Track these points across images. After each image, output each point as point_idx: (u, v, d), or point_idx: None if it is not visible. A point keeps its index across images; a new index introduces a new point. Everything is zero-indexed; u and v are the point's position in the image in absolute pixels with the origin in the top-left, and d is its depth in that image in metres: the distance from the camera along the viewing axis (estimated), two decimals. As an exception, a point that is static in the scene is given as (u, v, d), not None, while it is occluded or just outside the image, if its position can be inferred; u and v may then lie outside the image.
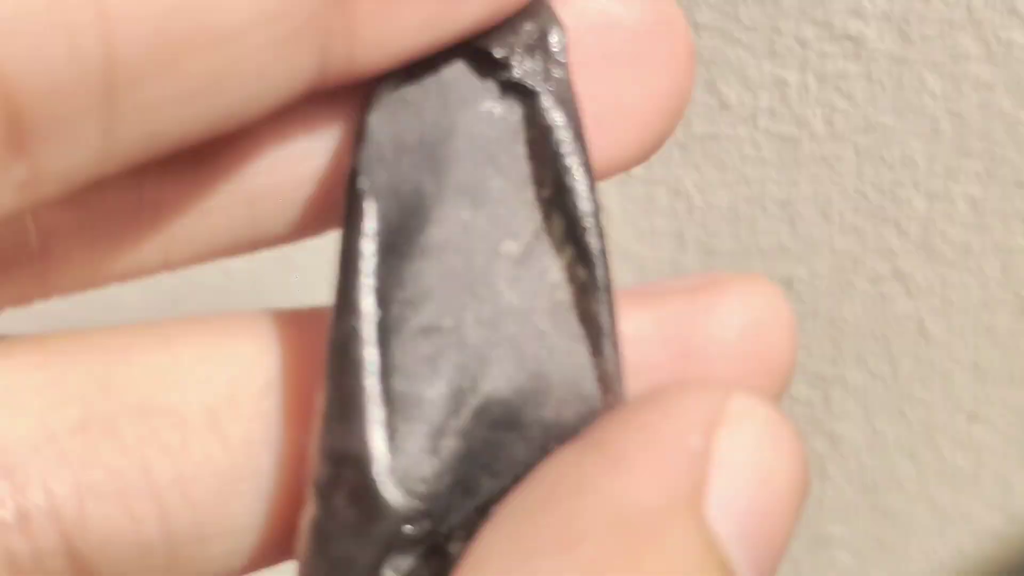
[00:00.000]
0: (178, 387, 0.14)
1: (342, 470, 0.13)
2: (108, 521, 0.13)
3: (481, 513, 0.13)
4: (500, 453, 0.13)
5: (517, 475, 0.13)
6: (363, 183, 0.13)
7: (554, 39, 0.14)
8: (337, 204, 0.14)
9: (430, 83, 0.14)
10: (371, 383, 0.13)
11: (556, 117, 0.14)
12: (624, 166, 0.15)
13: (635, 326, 0.14)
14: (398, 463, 0.13)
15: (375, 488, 0.13)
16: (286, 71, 0.12)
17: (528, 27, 0.14)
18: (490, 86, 0.14)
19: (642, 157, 0.15)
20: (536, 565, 0.12)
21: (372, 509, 0.13)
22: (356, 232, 0.13)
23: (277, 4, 0.11)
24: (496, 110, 0.14)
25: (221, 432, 0.14)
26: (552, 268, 0.14)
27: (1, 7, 0.10)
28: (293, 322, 0.14)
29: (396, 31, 0.13)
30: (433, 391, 0.13)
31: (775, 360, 0.15)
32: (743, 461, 0.13)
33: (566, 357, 0.14)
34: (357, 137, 0.14)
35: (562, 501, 0.12)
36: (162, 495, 0.13)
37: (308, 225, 0.14)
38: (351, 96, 0.14)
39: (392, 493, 0.13)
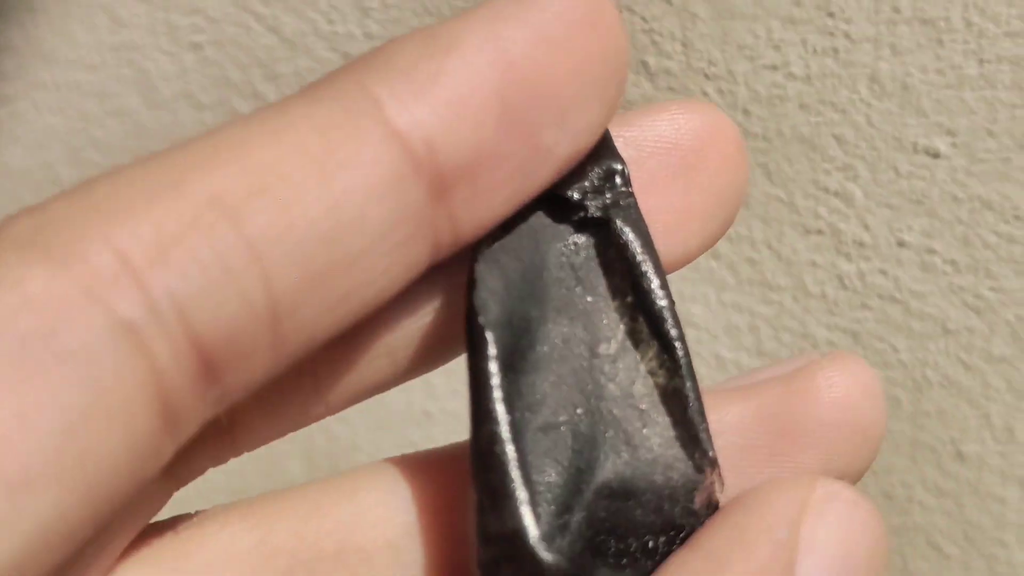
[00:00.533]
0: (364, 529, 0.17)
1: (503, 547, 0.15)
2: None
3: (613, 569, 0.16)
4: (620, 519, 0.16)
5: (639, 535, 0.16)
6: (482, 319, 0.16)
7: (618, 174, 0.17)
8: (454, 339, 0.17)
9: (521, 230, 0.17)
10: (515, 473, 0.15)
11: (628, 235, 0.17)
12: (695, 255, 0.18)
13: (739, 413, 0.17)
14: (543, 534, 0.15)
15: (535, 553, 0.15)
16: (406, 264, 0.15)
17: (595, 169, 0.17)
18: (570, 221, 0.17)
19: (709, 246, 0.18)
20: None
21: (534, 570, 0.15)
22: (482, 358, 0.16)
23: (393, 220, 0.14)
24: (578, 240, 0.17)
25: (401, 561, 0.17)
26: (643, 360, 0.17)
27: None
28: (423, 466, 0.18)
29: (488, 209, 0.15)
30: (556, 476, 0.16)
31: (867, 431, 0.17)
32: (826, 541, 0.15)
33: (664, 429, 0.17)
34: (469, 284, 0.16)
35: None
36: None
37: (433, 360, 0.17)
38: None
39: (547, 556, 0.15)
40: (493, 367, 0.16)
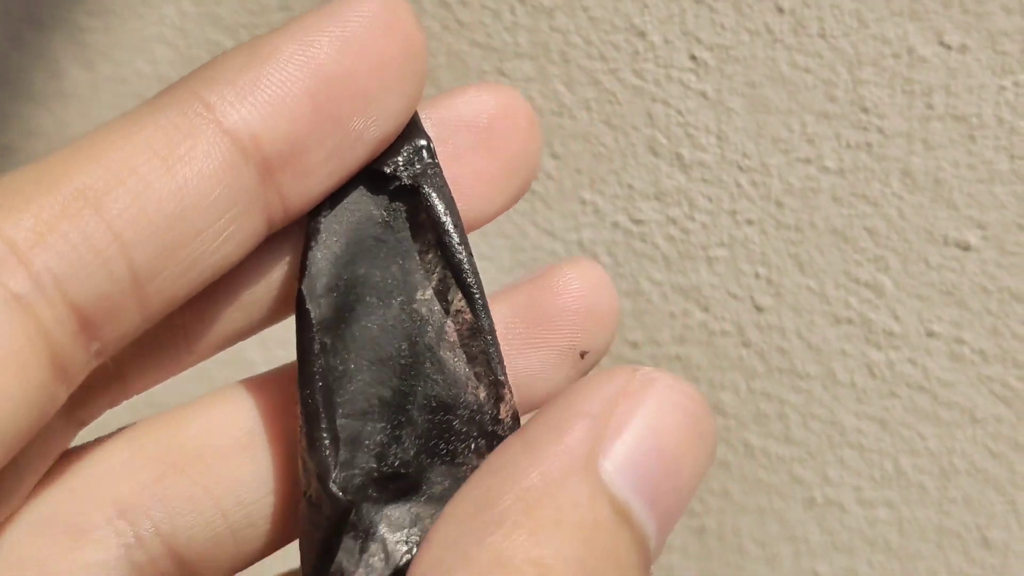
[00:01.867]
0: (218, 434, 0.21)
1: (314, 482, 0.20)
2: None
3: (450, 466, 0.20)
4: (444, 428, 0.20)
5: (461, 439, 0.20)
6: (305, 289, 0.20)
7: (424, 149, 0.20)
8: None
9: (347, 202, 0.20)
10: (325, 424, 0.20)
11: (434, 199, 0.20)
12: (496, 214, 0.21)
13: (501, 311, 0.21)
14: (340, 476, 0.20)
15: (331, 491, 0.19)
16: (244, 235, 0.18)
17: (406, 146, 0.20)
18: (387, 191, 0.20)
19: (509, 206, 0.21)
20: (463, 535, 0.17)
21: (331, 502, 0.19)
22: (305, 326, 0.20)
23: (227, 200, 0.18)
24: (395, 207, 0.20)
25: (252, 456, 0.21)
26: (452, 303, 0.20)
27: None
28: (264, 384, 0.21)
29: (311, 186, 0.19)
30: (381, 405, 0.20)
31: (603, 315, 0.21)
32: (638, 422, 0.17)
33: (470, 357, 0.20)
34: (304, 250, 0.20)
35: (484, 481, 0.17)
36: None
37: (284, 312, 0.21)
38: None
39: (337, 493, 0.19)
40: (314, 342, 0.20)
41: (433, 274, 0.21)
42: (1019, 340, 0.29)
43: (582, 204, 0.30)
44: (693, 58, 0.28)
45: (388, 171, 0.20)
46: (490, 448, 0.21)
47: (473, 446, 0.21)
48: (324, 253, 0.21)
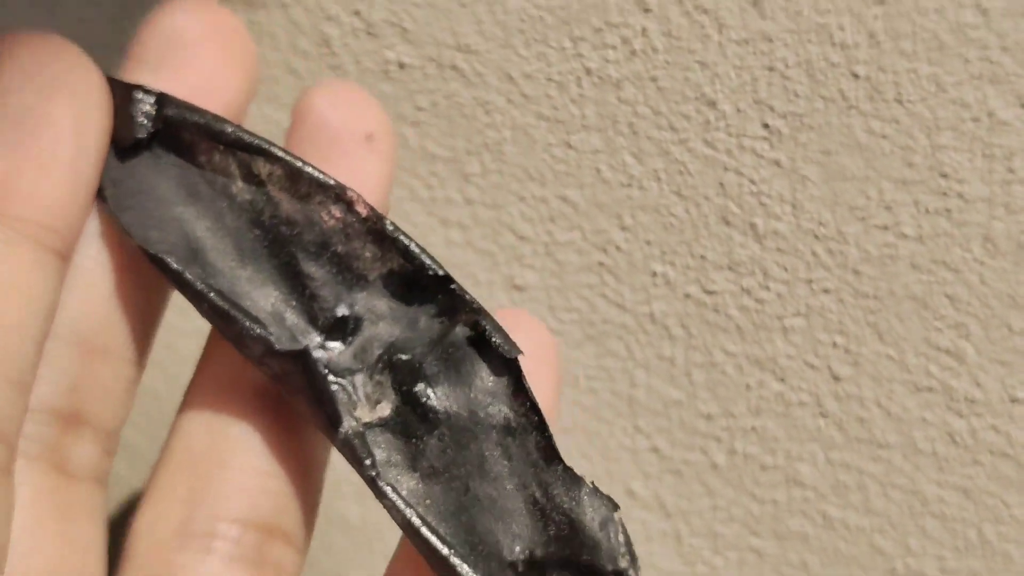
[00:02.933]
0: None
1: (266, 358, 0.23)
2: None
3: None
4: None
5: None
6: (151, 251, 0.22)
7: (142, 99, 0.23)
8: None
9: (121, 188, 0.23)
10: (245, 315, 0.23)
11: (188, 116, 0.23)
12: (244, 102, 0.24)
13: None
14: (283, 338, 0.23)
15: (282, 349, 0.22)
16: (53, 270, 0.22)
17: (133, 110, 0.23)
18: (142, 145, 0.23)
19: (242, 91, 0.24)
20: None
21: (287, 360, 0.22)
22: (176, 276, 0.23)
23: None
24: (160, 149, 0.23)
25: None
26: (261, 180, 0.23)
27: None
28: None
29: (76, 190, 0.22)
30: (282, 299, 0.23)
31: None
32: None
33: (315, 212, 0.23)
34: (128, 234, 0.22)
35: None
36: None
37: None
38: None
39: (289, 347, 0.22)
40: (182, 273, 0.22)
41: (231, 167, 0.23)
42: (1107, 405, 0.29)
43: (652, 276, 0.29)
44: (766, 126, 0.28)
45: (137, 139, 0.22)
46: (376, 239, 0.23)
47: (367, 252, 0.23)
48: (134, 217, 0.22)
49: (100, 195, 0.22)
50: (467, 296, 0.23)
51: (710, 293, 0.29)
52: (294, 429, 0.23)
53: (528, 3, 0.27)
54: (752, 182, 0.28)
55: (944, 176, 0.27)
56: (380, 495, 0.22)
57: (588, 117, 0.28)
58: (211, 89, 0.23)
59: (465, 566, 0.22)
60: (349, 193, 0.23)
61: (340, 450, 0.22)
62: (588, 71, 0.28)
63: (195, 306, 0.22)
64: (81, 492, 0.23)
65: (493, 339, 0.23)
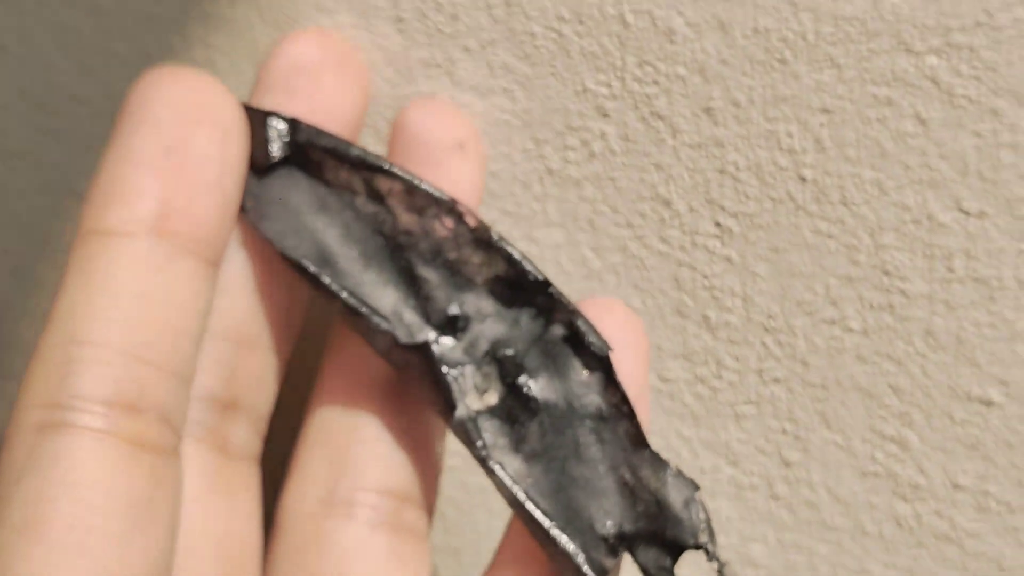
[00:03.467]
0: None
1: (392, 350, 0.26)
2: None
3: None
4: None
5: None
6: (291, 256, 0.25)
7: (277, 126, 0.26)
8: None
9: (267, 211, 0.26)
10: (371, 311, 0.26)
11: (322, 140, 0.26)
12: (359, 117, 0.27)
13: None
14: (404, 333, 0.26)
15: (406, 343, 0.26)
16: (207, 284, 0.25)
17: (267, 134, 0.26)
18: (280, 167, 0.26)
19: (358, 108, 0.27)
20: None
21: (409, 352, 0.26)
22: (308, 273, 0.25)
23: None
24: (294, 171, 0.26)
25: None
26: (389, 196, 0.26)
27: None
28: None
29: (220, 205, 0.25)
30: (402, 300, 0.26)
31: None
32: None
33: (429, 222, 0.26)
34: (270, 244, 0.26)
35: None
36: None
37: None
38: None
39: (411, 341, 0.26)
40: (314, 272, 0.25)
41: (355, 183, 0.25)
42: (1044, 492, 0.30)
43: (611, 364, 0.31)
44: (718, 224, 0.29)
45: (273, 155, 0.25)
46: (483, 247, 0.25)
47: (475, 259, 0.25)
48: (273, 227, 0.25)
49: (242, 209, 0.25)
50: (563, 298, 0.26)
51: (666, 381, 0.31)
52: (414, 413, 0.26)
53: (494, 108, 0.29)
54: (705, 277, 0.30)
55: (887, 274, 0.29)
56: (489, 473, 0.25)
57: (550, 213, 0.30)
58: (333, 109, 0.26)
59: (564, 536, 0.24)
60: (459, 207, 0.26)
61: (455, 432, 0.25)
62: (550, 171, 0.29)
63: (328, 304, 0.25)
64: (239, 469, 0.26)
65: (587, 337, 0.25)
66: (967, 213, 0.28)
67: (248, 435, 0.26)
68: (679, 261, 0.30)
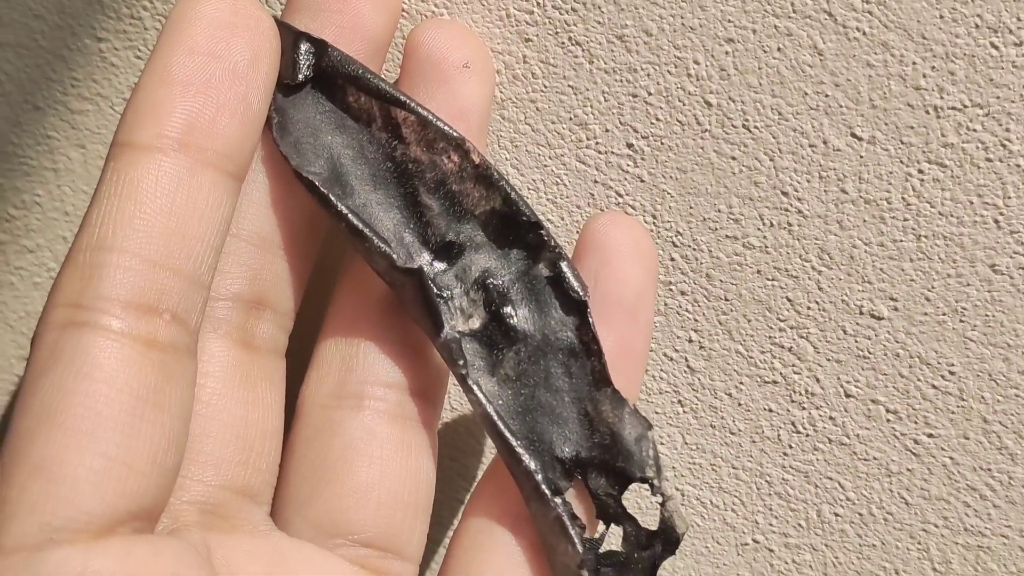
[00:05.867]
0: None
1: (389, 272, 0.27)
2: None
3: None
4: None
5: None
6: (303, 173, 0.27)
7: (304, 47, 0.27)
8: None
9: (291, 117, 0.27)
10: (375, 234, 0.27)
11: (345, 66, 0.27)
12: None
13: None
14: (402, 255, 0.27)
15: (404, 267, 0.27)
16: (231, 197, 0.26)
17: (289, 55, 0.26)
18: (306, 87, 0.27)
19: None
20: None
21: (405, 276, 0.27)
22: (316, 192, 0.27)
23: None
24: (320, 95, 0.27)
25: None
26: (404, 126, 0.27)
27: None
28: None
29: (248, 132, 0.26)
30: (405, 224, 0.27)
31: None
32: None
33: (438, 154, 0.27)
34: (284, 159, 0.27)
35: None
36: None
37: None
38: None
39: (407, 266, 0.27)
40: (323, 190, 0.26)
41: (373, 110, 0.27)
42: (928, 400, 0.32)
43: (531, 275, 0.33)
44: (630, 146, 0.31)
45: (300, 78, 0.26)
46: (484, 183, 0.27)
47: (475, 193, 0.27)
48: (290, 142, 0.26)
49: (267, 123, 0.26)
50: (552, 240, 0.27)
51: (581, 291, 0.33)
52: (413, 326, 0.28)
53: (421, 30, 0.31)
54: (618, 194, 0.32)
55: (785, 194, 0.31)
56: (467, 390, 0.27)
57: (475, 132, 0.31)
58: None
59: (526, 454, 0.26)
60: (467, 144, 0.27)
61: (439, 350, 0.27)
62: (475, 92, 0.31)
63: (334, 223, 0.27)
64: (263, 362, 0.28)
65: (568, 281, 0.27)
66: (859, 139, 0.30)
67: (273, 330, 0.28)
68: (594, 179, 0.32)
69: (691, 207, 0.31)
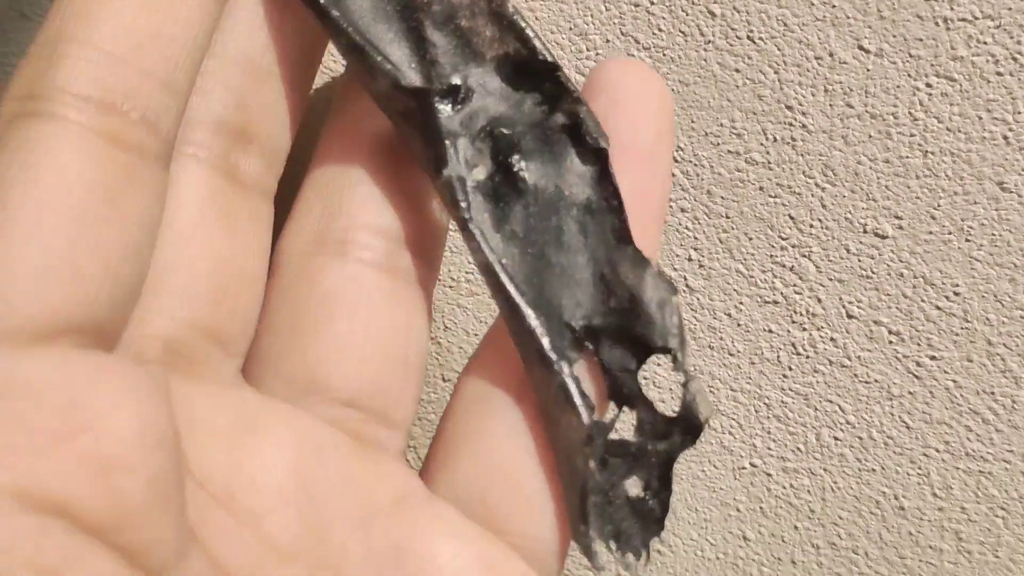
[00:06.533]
0: None
1: (392, 91, 0.24)
2: None
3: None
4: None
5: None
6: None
7: None
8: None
9: None
10: (377, 51, 0.24)
11: None
12: None
13: None
14: (407, 77, 0.24)
15: (406, 85, 0.24)
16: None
17: None
18: None
19: None
20: None
21: (406, 93, 0.24)
22: (314, 3, 0.24)
23: None
24: None
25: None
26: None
27: None
28: None
29: None
30: (404, 46, 0.24)
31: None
32: None
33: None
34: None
35: None
36: None
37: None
38: None
39: (413, 83, 0.24)
40: (324, 1, 0.23)
41: None
42: (931, 322, 0.32)
43: (528, 190, 0.32)
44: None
45: None
46: (497, 20, 0.24)
47: (487, 31, 0.24)
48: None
49: None
50: (571, 86, 0.24)
51: (580, 208, 0.32)
52: (411, 168, 0.26)
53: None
54: (618, 107, 0.31)
55: (789, 108, 0.30)
56: (468, 237, 0.24)
57: (472, 42, 0.31)
58: None
59: (530, 311, 0.23)
60: None
61: (440, 191, 0.24)
62: (472, 0, 0.30)
63: (333, 41, 0.24)
64: (247, 199, 0.25)
65: (587, 127, 0.24)
66: (867, 51, 0.29)
67: (259, 167, 0.25)
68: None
69: (693, 121, 0.31)
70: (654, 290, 0.24)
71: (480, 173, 0.24)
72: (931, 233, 0.31)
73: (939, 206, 0.31)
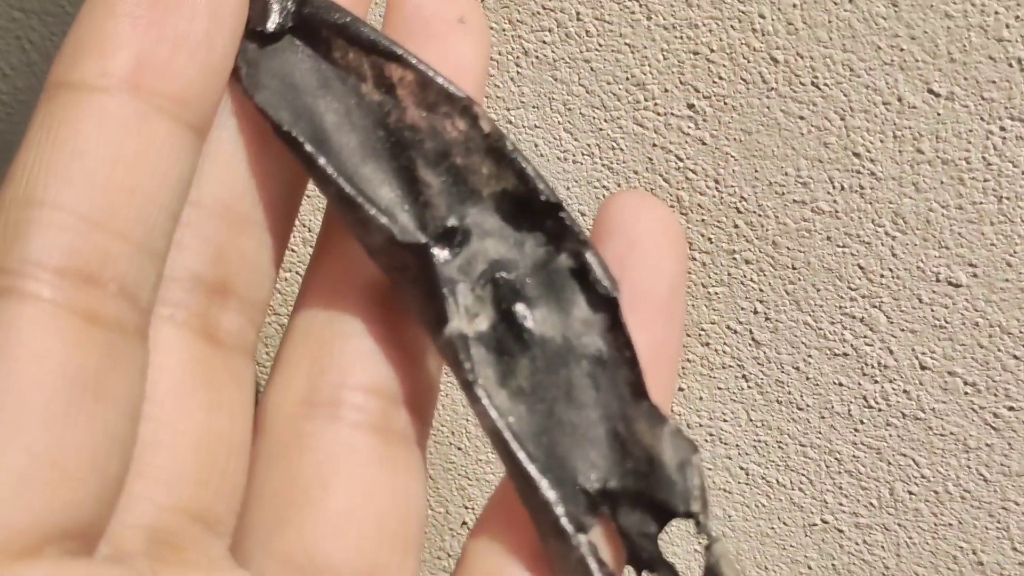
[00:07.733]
0: None
1: (388, 246, 0.22)
2: None
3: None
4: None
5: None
6: (284, 127, 0.22)
7: None
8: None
9: (263, 68, 0.23)
10: (370, 203, 0.23)
11: (325, 12, 0.23)
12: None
13: None
14: (400, 230, 0.22)
15: (403, 240, 0.22)
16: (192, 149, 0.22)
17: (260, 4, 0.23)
18: (283, 37, 0.23)
19: None
20: None
21: (405, 250, 0.22)
22: (301, 149, 0.22)
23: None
24: (298, 42, 0.23)
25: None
26: (391, 84, 0.23)
27: None
28: None
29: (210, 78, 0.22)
30: (400, 199, 0.23)
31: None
32: None
33: (439, 121, 0.23)
34: (262, 115, 0.23)
35: None
36: None
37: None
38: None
39: (412, 240, 0.22)
40: (307, 148, 0.22)
41: (363, 68, 0.23)
42: (1008, 372, 0.31)
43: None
44: (691, 106, 0.29)
45: (269, 28, 0.23)
46: (495, 157, 0.23)
47: (484, 168, 0.23)
48: (268, 98, 0.23)
49: (235, 75, 0.23)
50: (575, 226, 0.23)
51: (640, 262, 0.31)
52: (405, 320, 0.24)
53: (468, -13, 0.29)
54: (678, 158, 0.30)
55: (857, 156, 0.29)
56: (473, 400, 0.22)
57: (526, 95, 0.30)
58: None
59: (544, 482, 0.22)
60: (475, 108, 0.23)
61: (441, 351, 0.23)
62: (526, 52, 0.30)
63: (320, 190, 0.23)
64: (228, 361, 0.23)
65: (594, 274, 0.22)
66: (937, 95, 0.28)
67: (240, 323, 0.24)
68: (653, 143, 0.30)
69: (756, 170, 0.30)
70: (674, 451, 0.22)
71: (482, 323, 0.23)
72: (1007, 281, 0.30)
73: (1015, 252, 0.29)
